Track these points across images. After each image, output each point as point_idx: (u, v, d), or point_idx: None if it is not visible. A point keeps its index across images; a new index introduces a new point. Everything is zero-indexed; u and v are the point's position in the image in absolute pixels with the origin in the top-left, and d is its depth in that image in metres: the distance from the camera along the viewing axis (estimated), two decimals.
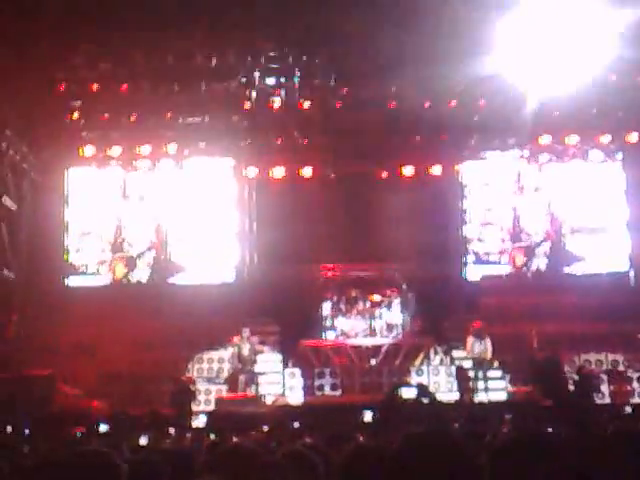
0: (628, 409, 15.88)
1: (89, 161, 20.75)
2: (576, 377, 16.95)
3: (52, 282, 20.00)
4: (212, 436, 11.59)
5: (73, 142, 20.43)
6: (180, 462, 4.80)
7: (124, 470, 3.68)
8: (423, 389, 15.50)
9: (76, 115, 19.74)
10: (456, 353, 18.86)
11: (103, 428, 13.61)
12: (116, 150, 20.63)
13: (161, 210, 20.91)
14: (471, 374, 17.71)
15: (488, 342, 17.79)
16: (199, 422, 16.04)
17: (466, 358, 18.19)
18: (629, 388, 18.28)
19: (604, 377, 18.21)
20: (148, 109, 19.54)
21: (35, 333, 18.49)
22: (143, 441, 10.57)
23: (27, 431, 13.37)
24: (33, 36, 16.12)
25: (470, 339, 17.87)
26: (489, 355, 17.79)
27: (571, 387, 16.97)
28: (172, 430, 13.16)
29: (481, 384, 17.53)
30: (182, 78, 18.39)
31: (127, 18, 15.88)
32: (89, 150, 20.57)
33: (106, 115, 19.73)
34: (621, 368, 18.87)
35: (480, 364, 17.75)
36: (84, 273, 20.51)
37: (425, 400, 14.81)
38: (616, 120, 20.41)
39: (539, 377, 16.63)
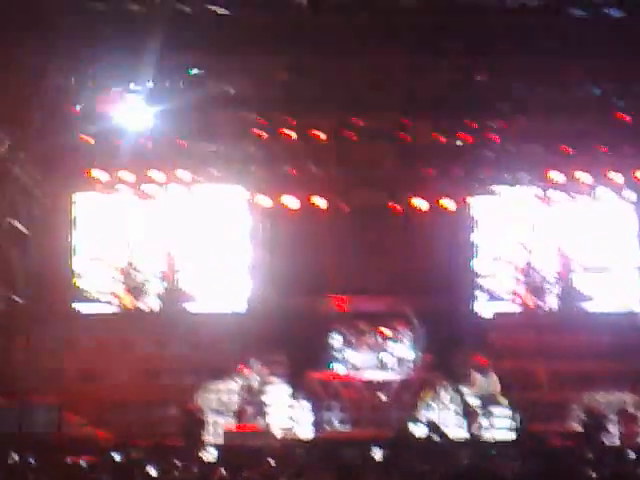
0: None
1: (99, 186, 20.65)
2: (584, 417, 16.81)
3: (60, 308, 19.83)
4: (221, 470, 11.41)
5: (85, 167, 20.37)
6: None
7: None
8: (434, 426, 15.34)
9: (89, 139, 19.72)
10: (465, 389, 18.70)
11: (111, 458, 13.41)
12: (127, 175, 20.57)
13: (171, 237, 20.78)
14: (479, 411, 17.55)
15: (495, 379, 17.66)
16: (207, 454, 15.82)
17: (474, 394, 18.06)
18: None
19: (614, 418, 18.02)
20: (161, 134, 19.53)
21: (42, 359, 18.33)
22: (152, 473, 10.41)
23: (32, 460, 13.18)
24: (46, 58, 16.17)
25: (476, 375, 17.75)
26: (497, 392, 17.65)
27: (579, 427, 16.85)
28: (179, 462, 12.94)
29: (488, 421, 17.38)
30: (197, 105, 18.39)
31: (142, 43, 15.94)
32: (100, 175, 20.49)
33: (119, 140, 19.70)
34: (631, 409, 18.67)
35: (486, 401, 17.61)
36: (92, 300, 20.38)
37: (437, 438, 14.64)
38: (627, 157, 20.41)
39: None
